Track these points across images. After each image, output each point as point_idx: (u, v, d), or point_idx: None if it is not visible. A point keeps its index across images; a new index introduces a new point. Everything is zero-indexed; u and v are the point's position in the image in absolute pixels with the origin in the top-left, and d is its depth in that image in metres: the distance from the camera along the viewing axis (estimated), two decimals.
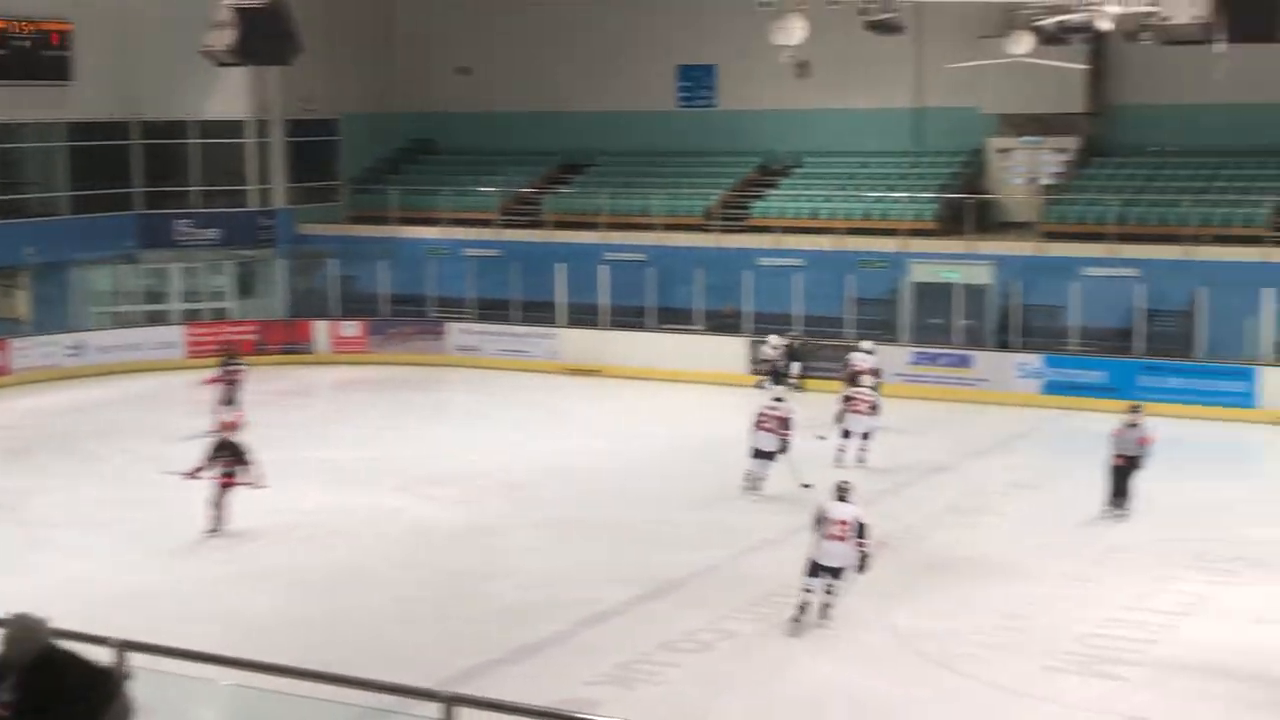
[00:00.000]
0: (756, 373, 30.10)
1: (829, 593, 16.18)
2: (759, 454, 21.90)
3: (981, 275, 31.16)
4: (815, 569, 16.10)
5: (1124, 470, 20.55)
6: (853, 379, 25.43)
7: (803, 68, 35.28)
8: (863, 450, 23.64)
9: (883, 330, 31.57)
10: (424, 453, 25.42)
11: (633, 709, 13.73)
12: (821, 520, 16.17)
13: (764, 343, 30.18)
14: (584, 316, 33.55)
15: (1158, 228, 30.81)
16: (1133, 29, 23.62)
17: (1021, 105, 33.70)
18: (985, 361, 29.86)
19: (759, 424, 21.94)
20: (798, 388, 28.96)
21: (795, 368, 29.86)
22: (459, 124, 40.43)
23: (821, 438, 23.49)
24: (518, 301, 34.35)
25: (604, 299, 33.21)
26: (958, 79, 33.49)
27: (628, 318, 33.48)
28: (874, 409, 23.87)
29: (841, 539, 16.02)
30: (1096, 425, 26.58)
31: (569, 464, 24.39)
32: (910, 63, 34.94)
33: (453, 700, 6.53)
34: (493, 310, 34.65)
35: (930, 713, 14.04)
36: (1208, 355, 28.43)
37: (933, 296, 31.47)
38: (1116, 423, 20.90)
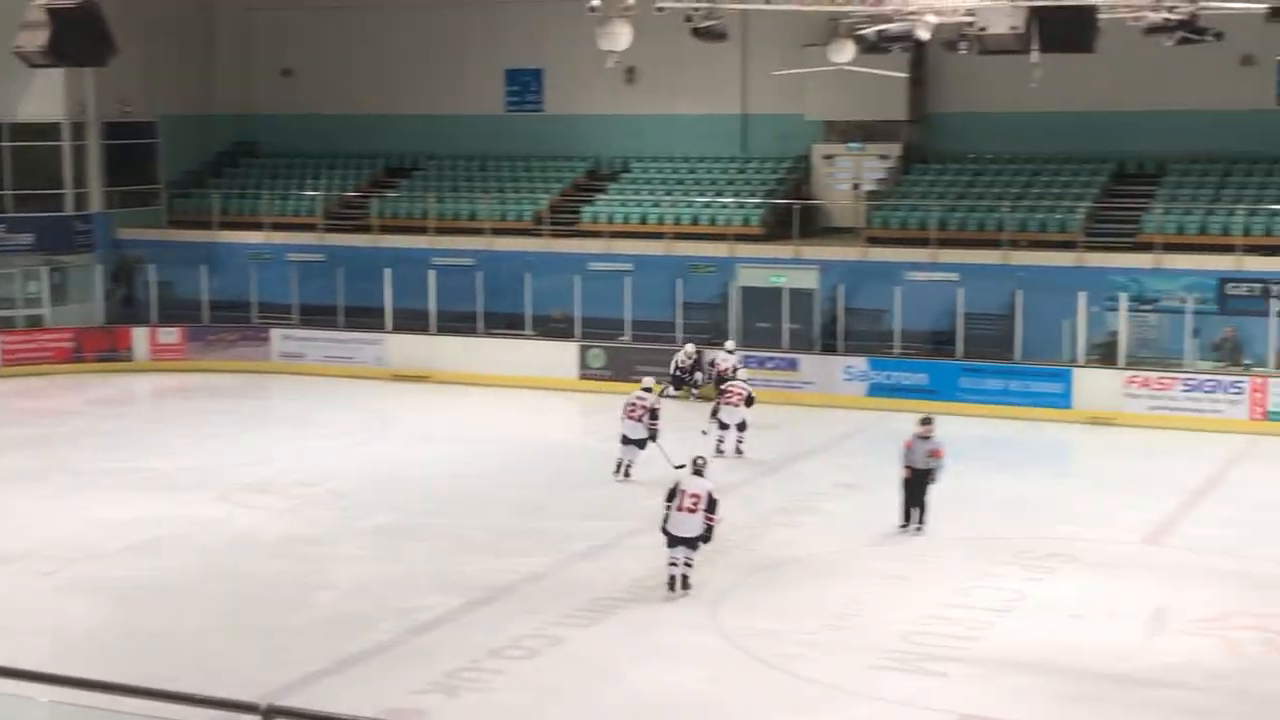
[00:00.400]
0: (668, 377, 29.47)
1: (688, 564, 17.24)
2: (627, 441, 23.02)
3: (808, 280, 31.63)
4: (672, 540, 17.21)
5: (915, 484, 20.01)
6: (720, 378, 26.92)
7: (630, 73, 35.61)
8: (739, 442, 24.86)
9: (712, 334, 31.88)
10: (247, 461, 25.03)
11: (459, 717, 13.67)
12: (676, 493, 17.26)
13: (679, 350, 29.82)
14: (412, 322, 33.29)
15: (977, 233, 31.56)
16: (951, 39, 24.18)
17: (845, 113, 34.29)
18: (812, 365, 30.28)
19: (628, 413, 23.03)
20: (699, 395, 28.94)
21: (699, 376, 29.67)
22: (282, 127, 39.88)
23: (703, 432, 24.54)
24: (343, 307, 33.97)
25: (432, 304, 33.00)
26: (783, 86, 33.99)
27: (456, 323, 33.31)
28: (748, 401, 24.99)
29: (693, 511, 17.11)
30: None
31: (395, 472, 24.20)
32: (736, 70, 35.34)
33: (270, 712, 6.44)
34: (318, 316, 34.22)
35: (756, 712, 14.17)
36: (1025, 357, 29.15)
37: (760, 301, 31.87)
38: (909, 434, 20.35)
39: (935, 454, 19.98)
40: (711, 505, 17.19)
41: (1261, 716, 13.97)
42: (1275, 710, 14.08)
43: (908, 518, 20.01)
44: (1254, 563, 18.97)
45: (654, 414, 22.99)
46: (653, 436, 22.85)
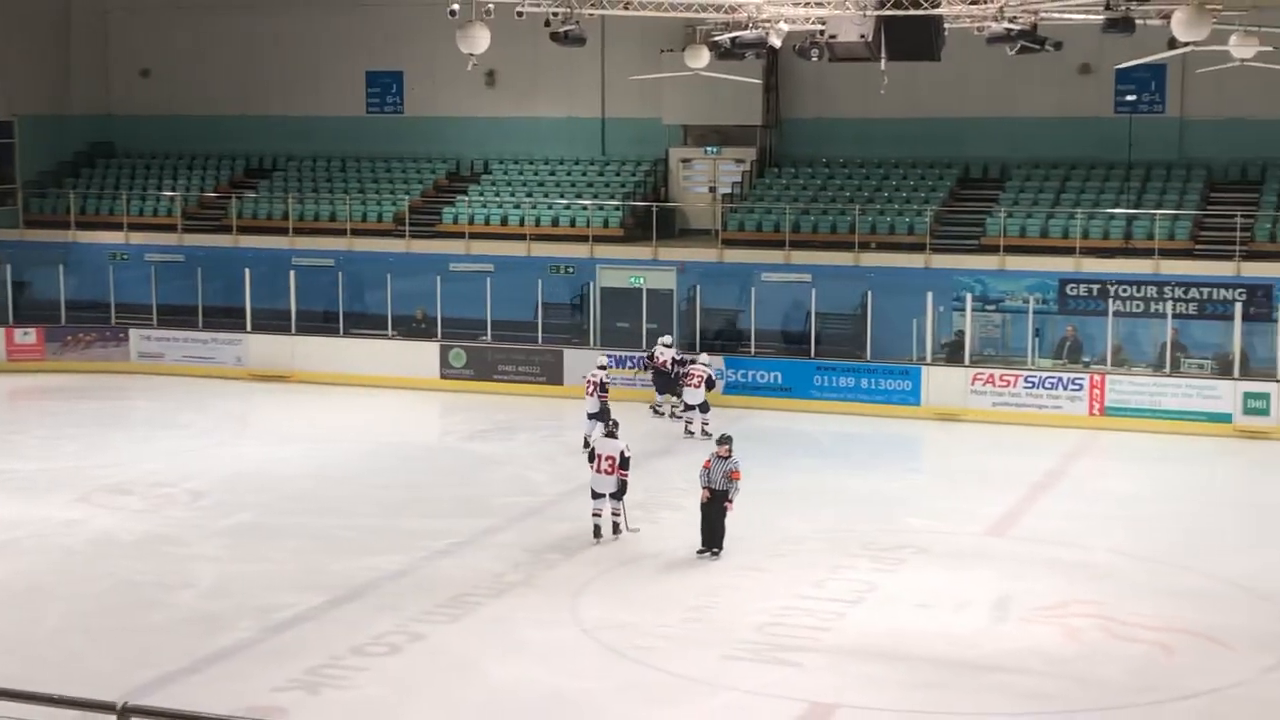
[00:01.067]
0: (647, 367, 28.97)
1: (615, 514, 19.65)
2: (590, 416, 24.93)
3: (666, 280, 31.82)
4: (594, 494, 19.63)
5: (713, 506, 18.77)
6: (658, 371, 28.30)
7: (490, 76, 35.54)
8: (704, 423, 26.18)
9: (572, 334, 31.98)
10: (105, 462, 24.57)
11: (320, 714, 13.58)
12: (593, 456, 19.80)
13: (659, 341, 28.98)
14: (272, 322, 32.89)
15: (829, 235, 31.98)
16: (803, 47, 24.43)
17: (701, 117, 34.55)
18: None
19: (588, 391, 25.36)
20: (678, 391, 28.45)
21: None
22: (140, 127, 39.23)
23: (658, 412, 27.90)
24: (203, 308, 33.45)
25: (292, 305, 32.64)
26: (641, 91, 34.15)
27: (317, 323, 33.01)
28: (708, 384, 26.63)
29: (610, 472, 19.45)
30: (773, 423, 27.58)
31: (256, 471, 23.93)
32: (595, 74, 35.45)
33: (126, 711, 6.39)
34: (177, 316, 33.67)
35: (614, 704, 14.24)
36: (876, 356, 29.58)
37: (620, 301, 31.99)
38: (708, 455, 19.17)
39: (733, 475, 18.67)
40: (624, 463, 19.48)
41: (1098, 700, 14.34)
42: (1112, 694, 14.46)
43: (706, 542, 18.89)
44: (1092, 553, 19.45)
45: (604, 388, 25.36)
46: (604, 411, 24.21)
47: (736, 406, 28.78)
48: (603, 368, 26.16)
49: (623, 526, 19.72)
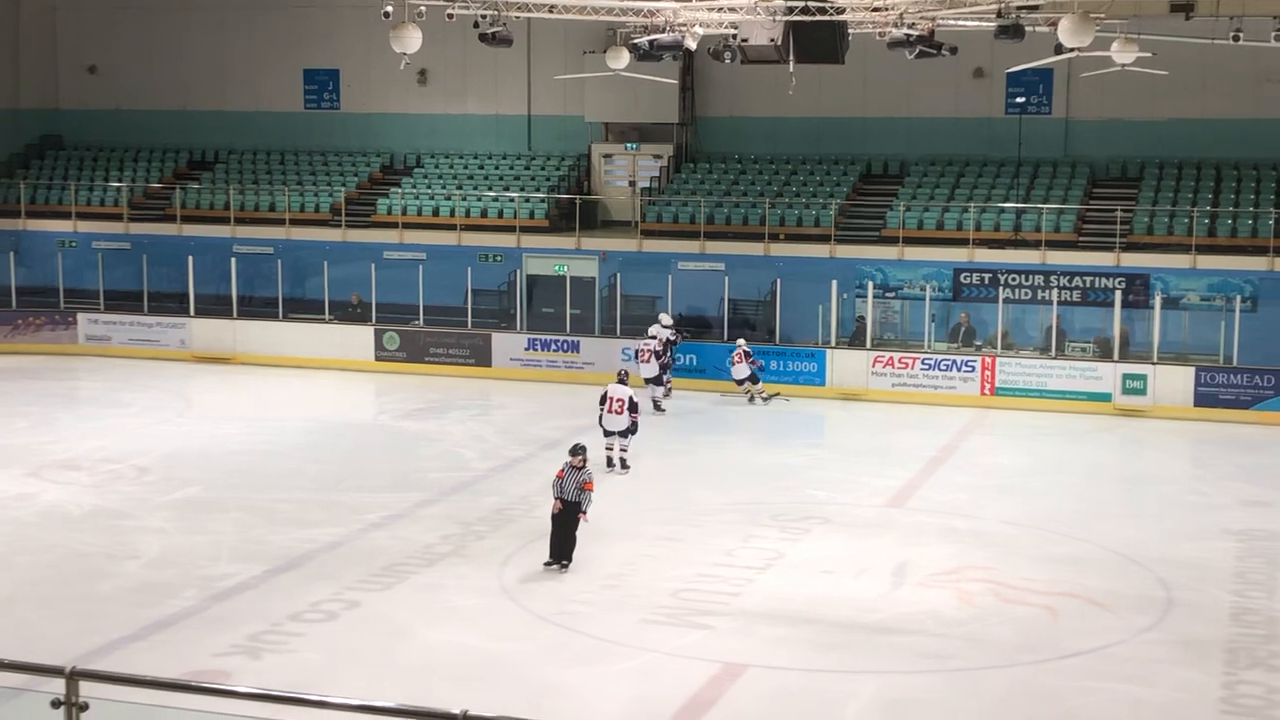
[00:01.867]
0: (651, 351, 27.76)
1: (623, 450, 21.88)
2: (648, 381, 26.70)
3: (588, 269, 31.79)
4: (606, 433, 21.85)
5: (565, 517, 17.05)
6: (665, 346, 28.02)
7: (422, 75, 35.29)
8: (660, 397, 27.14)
9: (500, 319, 31.87)
10: (55, 439, 24.19)
11: (260, 677, 13.44)
12: (604, 399, 21.95)
13: (656, 322, 28.56)
14: (214, 307, 32.54)
15: (741, 227, 32.07)
16: (717, 49, 24.48)
17: (621, 115, 34.51)
18: (592, 347, 30.39)
19: (643, 359, 26.78)
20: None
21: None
22: (88, 121, 38.63)
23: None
24: (148, 293, 33.01)
25: (234, 290, 32.27)
26: (565, 90, 34.09)
27: (257, 308, 32.69)
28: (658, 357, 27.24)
29: (620, 412, 21.72)
30: (689, 403, 27.62)
31: (199, 448, 23.65)
32: (522, 73, 35.30)
33: (75, 674, 6.28)
34: (123, 301, 33.21)
35: (539, 665, 14.20)
36: (784, 339, 29.70)
37: (545, 288, 31.92)
38: (561, 464, 17.44)
39: (586, 486, 17.08)
40: (633, 406, 21.84)
41: (989, 659, 14.49)
42: (1002, 653, 14.62)
43: (555, 554, 17.10)
44: (984, 522, 19.65)
45: (659, 354, 26.95)
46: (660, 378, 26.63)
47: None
48: (654, 337, 27.20)
49: (627, 462, 21.93)
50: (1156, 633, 15.32)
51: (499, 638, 14.84)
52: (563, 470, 17.23)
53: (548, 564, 17.07)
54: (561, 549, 17.11)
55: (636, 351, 27.48)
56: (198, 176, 36.94)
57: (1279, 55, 28.34)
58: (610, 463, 21.87)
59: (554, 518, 17.14)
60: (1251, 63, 29.95)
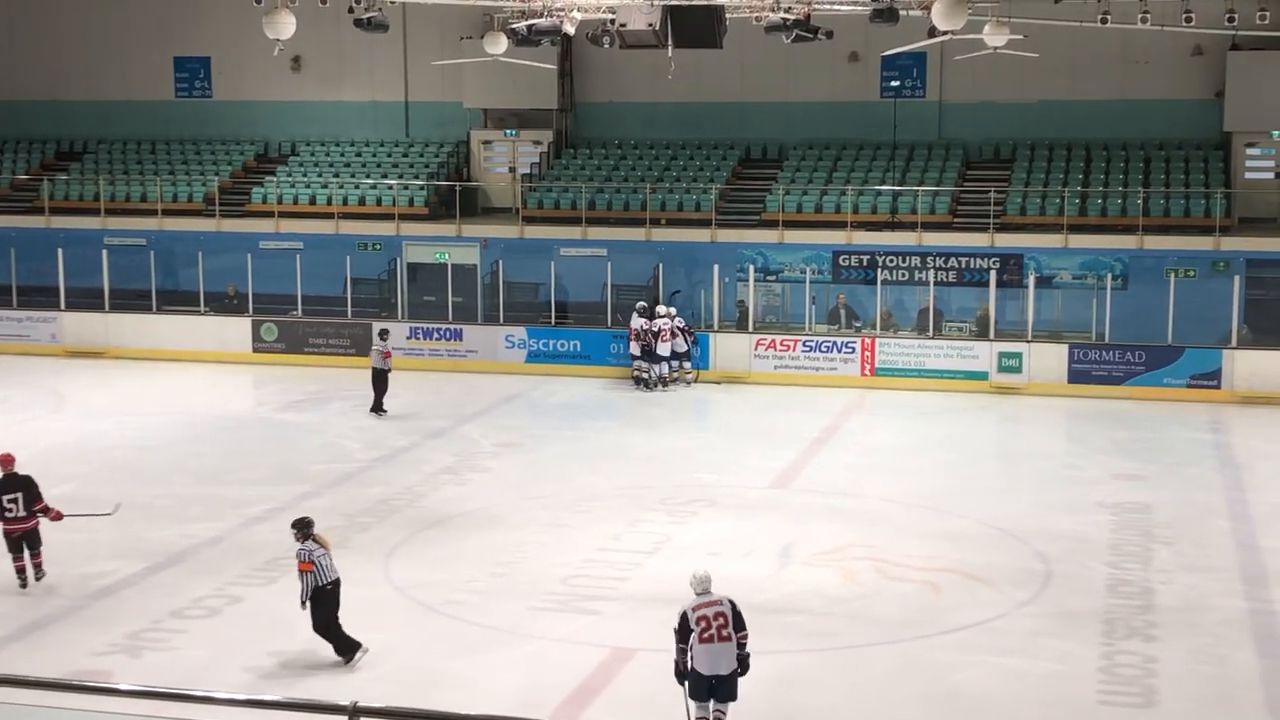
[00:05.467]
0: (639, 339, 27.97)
1: (686, 373, 26.64)
2: (675, 356, 28.00)
3: (470, 256, 31.62)
4: (634, 358, 27.02)
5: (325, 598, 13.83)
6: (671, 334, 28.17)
7: (296, 62, 34.83)
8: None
9: (381, 308, 31.58)
10: None
11: (143, 675, 13.20)
12: (640, 335, 26.74)
13: (648, 313, 28.18)
14: (86, 300, 31.82)
15: (622, 212, 32.12)
16: (596, 34, 24.45)
17: (501, 101, 34.35)
18: (475, 335, 30.24)
19: (664, 337, 27.71)
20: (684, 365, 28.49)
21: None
22: None
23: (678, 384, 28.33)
24: (16, 286, 32.22)
25: (105, 283, 31.59)
26: (443, 76, 33.84)
27: (131, 300, 32.03)
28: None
29: (668, 339, 26.75)
30: (574, 389, 27.62)
31: (73, 444, 23.15)
32: (398, 59, 34.99)
33: None
34: None
35: (427, 656, 14.14)
36: None
37: (426, 276, 31.69)
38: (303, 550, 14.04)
39: (302, 567, 13.86)
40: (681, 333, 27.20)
41: (875, 635, 14.69)
42: (887, 629, 14.82)
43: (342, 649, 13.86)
44: (867, 501, 19.91)
45: (674, 333, 27.89)
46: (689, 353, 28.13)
47: (537, 375, 28.78)
48: (662, 316, 27.78)
49: (689, 380, 26.59)
50: (1035, 605, 15.64)
51: (385, 629, 14.72)
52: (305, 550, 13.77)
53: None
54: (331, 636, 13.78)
55: (657, 333, 27.65)
56: (66, 167, 36.14)
57: (1146, 37, 29.00)
58: (642, 383, 27.20)
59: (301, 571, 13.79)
60: (1120, 45, 30.62)
